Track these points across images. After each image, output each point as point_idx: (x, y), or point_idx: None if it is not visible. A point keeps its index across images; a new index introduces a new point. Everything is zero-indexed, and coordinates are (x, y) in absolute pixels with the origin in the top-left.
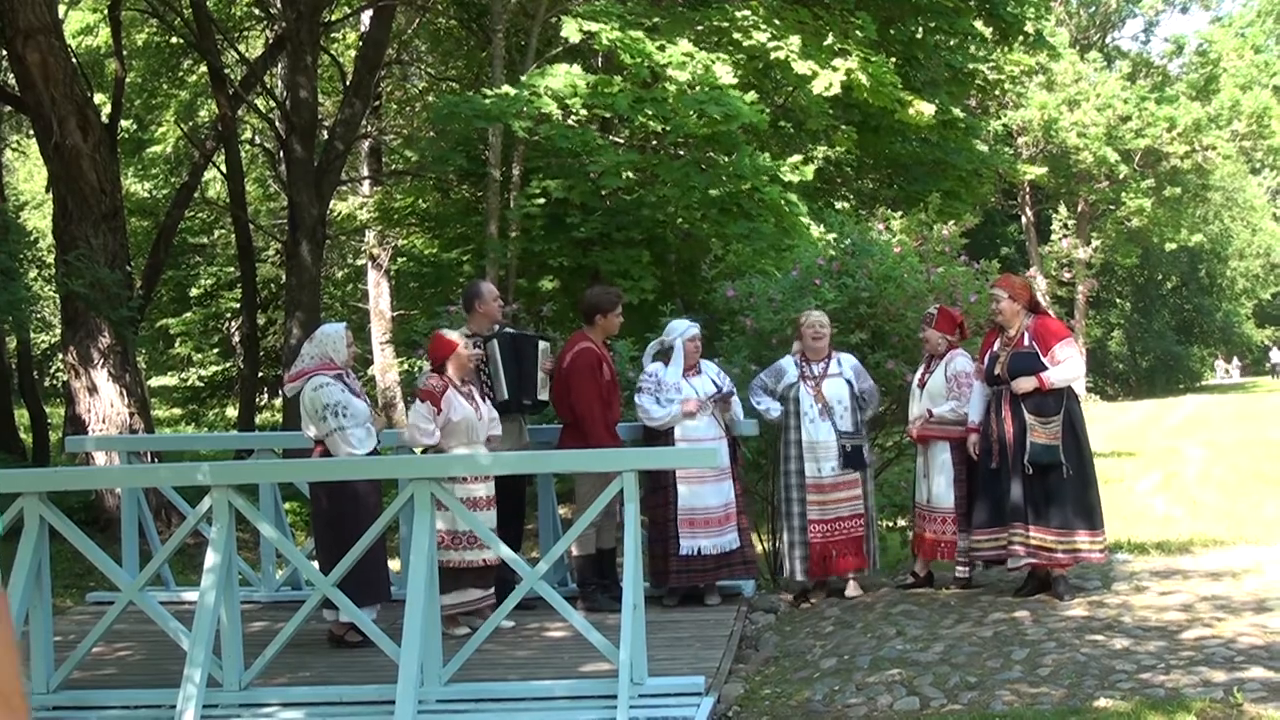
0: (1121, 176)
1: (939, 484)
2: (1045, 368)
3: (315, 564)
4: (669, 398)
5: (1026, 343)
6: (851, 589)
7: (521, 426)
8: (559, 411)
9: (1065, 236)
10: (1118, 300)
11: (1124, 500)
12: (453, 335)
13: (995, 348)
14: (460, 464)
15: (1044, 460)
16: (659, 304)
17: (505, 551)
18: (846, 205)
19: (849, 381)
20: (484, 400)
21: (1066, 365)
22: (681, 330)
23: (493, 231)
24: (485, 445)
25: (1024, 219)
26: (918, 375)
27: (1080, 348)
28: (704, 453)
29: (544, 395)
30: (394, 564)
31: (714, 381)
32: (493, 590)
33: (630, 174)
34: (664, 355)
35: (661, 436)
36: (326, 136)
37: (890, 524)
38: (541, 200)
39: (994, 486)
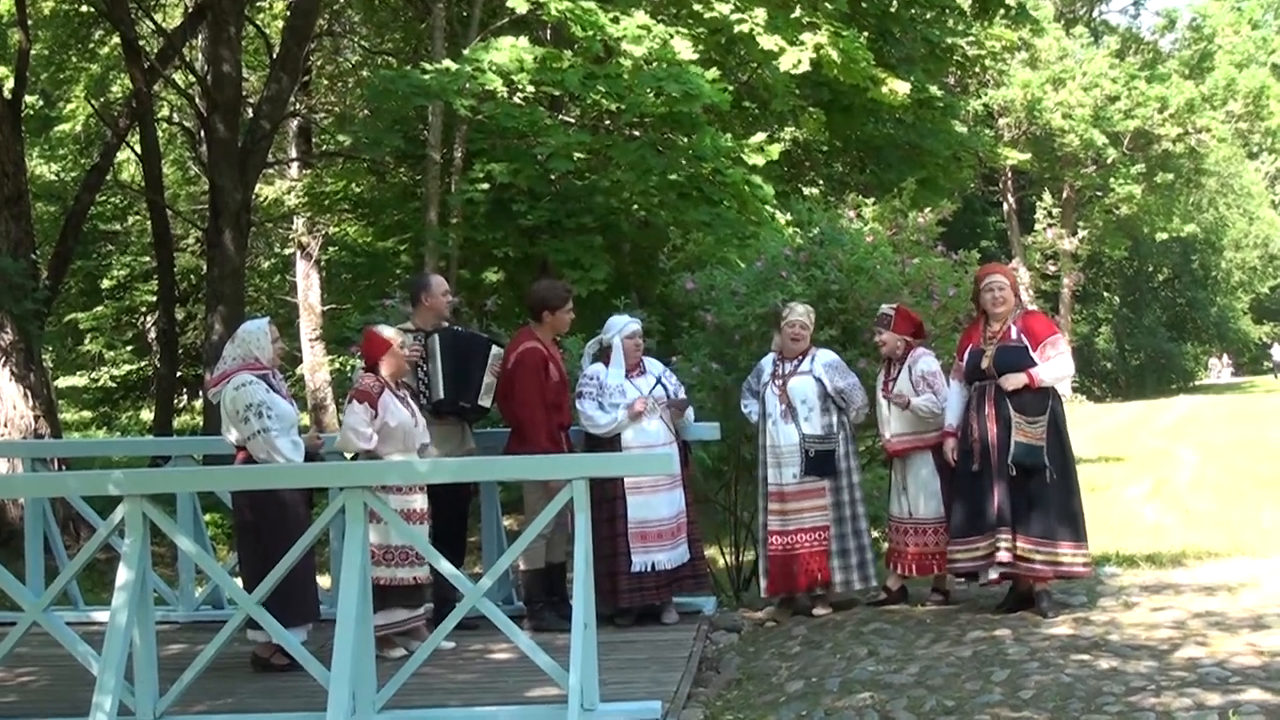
0: (1109, 161)
1: (920, 498)
2: (1034, 363)
3: (238, 581)
4: (613, 402)
5: (1014, 336)
6: (819, 610)
7: (465, 431)
8: (504, 416)
9: (1050, 226)
10: (1105, 294)
11: (1111, 508)
12: (387, 331)
13: (978, 343)
14: (396, 471)
15: (1028, 461)
16: (612, 297)
17: (445, 566)
18: (815, 191)
19: (818, 379)
20: (417, 404)
21: (1056, 362)
22: (620, 327)
23: (432, 219)
24: (418, 454)
25: (1005, 207)
26: (879, 384)
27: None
28: (658, 459)
29: (485, 401)
30: (324, 580)
31: (662, 383)
32: (422, 611)
33: (581, 156)
34: (605, 355)
35: (606, 444)
36: (251, 115)
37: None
38: (485, 185)
39: (973, 492)
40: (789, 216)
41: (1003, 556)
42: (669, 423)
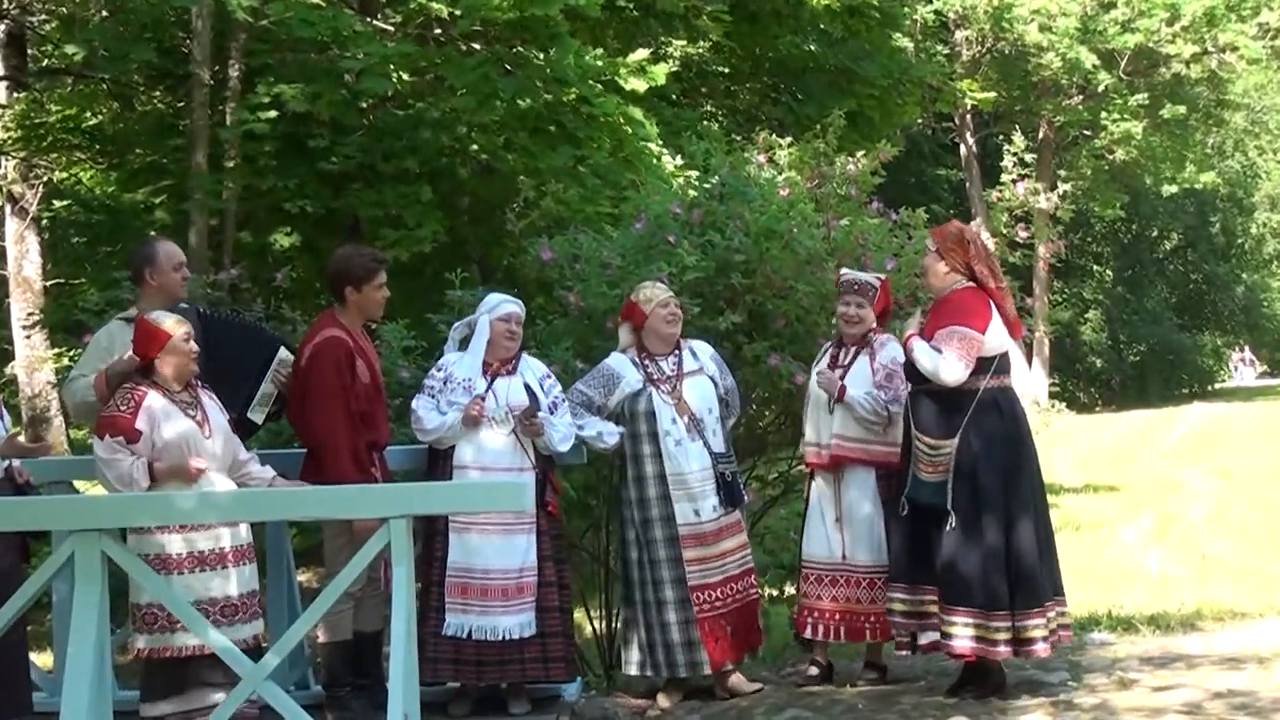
0: (1101, 89)
1: (855, 533)
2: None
3: None
4: (452, 400)
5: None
6: (737, 683)
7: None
8: (296, 430)
9: (1021, 177)
10: (1095, 268)
11: (1102, 554)
12: (166, 321)
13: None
14: (147, 506)
15: (924, 499)
16: (445, 268)
17: (216, 639)
18: (714, 127)
19: (713, 380)
20: (221, 410)
21: (932, 357)
22: (491, 306)
23: (199, 161)
24: (235, 475)
25: (963, 151)
26: (820, 372)
27: (985, 330)
28: (502, 490)
29: (257, 416)
30: (44, 658)
31: (535, 389)
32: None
33: (404, 77)
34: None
35: (440, 465)
36: None
37: (777, 592)
38: (273, 115)
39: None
40: (679, 162)
41: (898, 620)
42: (523, 441)
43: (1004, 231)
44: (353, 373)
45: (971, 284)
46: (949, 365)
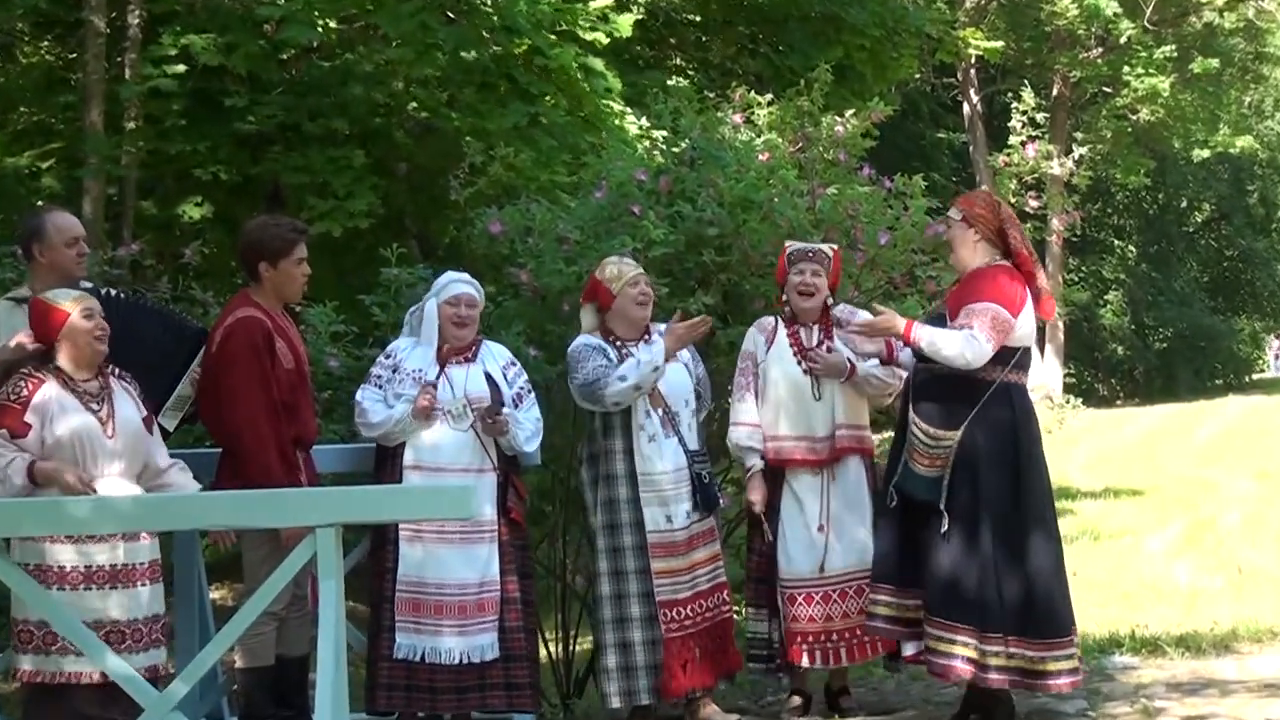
0: (1124, 40)
1: (844, 532)
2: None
3: None
4: (400, 392)
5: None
6: (710, 713)
7: None
8: (210, 426)
9: (1032, 140)
10: (1116, 243)
11: (1124, 566)
12: (65, 299)
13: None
14: (33, 513)
15: (917, 494)
16: (380, 243)
17: (114, 664)
18: (684, 83)
19: (687, 368)
20: (139, 406)
21: (953, 337)
22: (439, 287)
23: (94, 121)
24: (149, 483)
25: (966, 110)
26: (812, 354)
27: (1019, 313)
28: (446, 494)
29: (169, 421)
30: None
31: (497, 378)
32: None
33: (331, 25)
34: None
35: (392, 464)
36: None
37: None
38: (181, 69)
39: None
40: (645, 122)
41: (878, 625)
42: (483, 439)
43: (1012, 201)
44: (272, 357)
45: (1003, 261)
46: (976, 344)
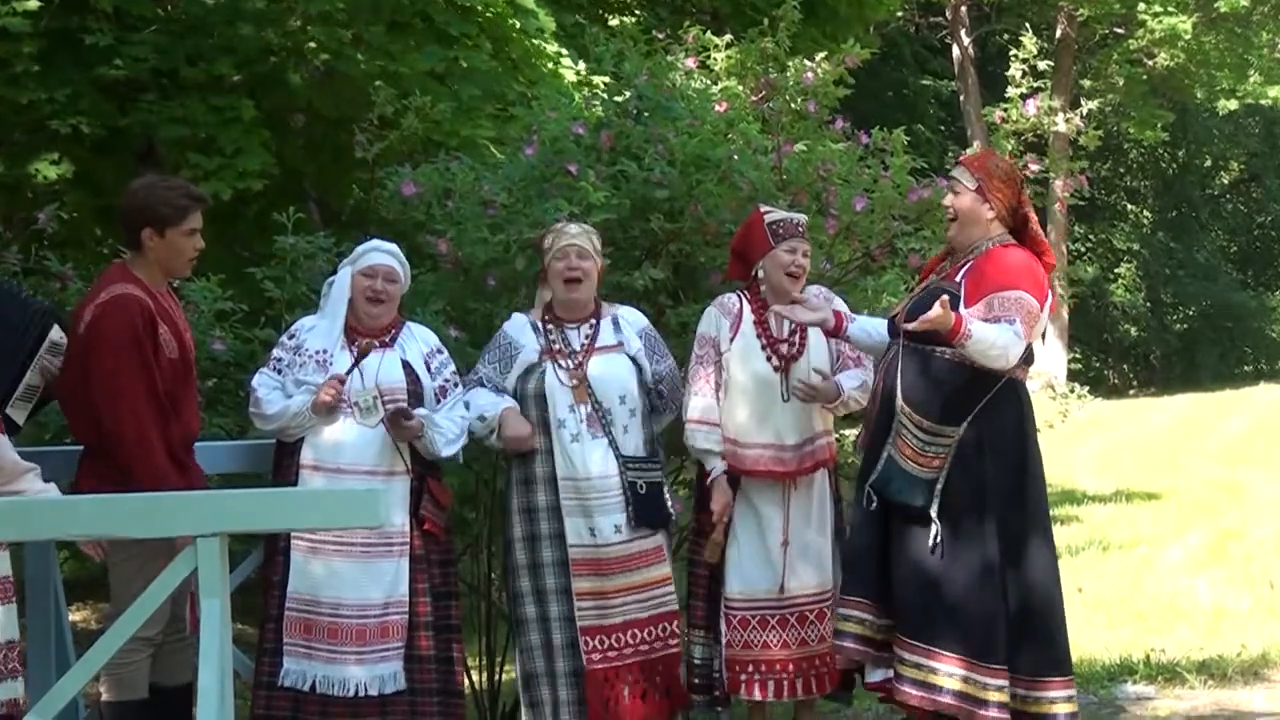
0: None
1: (806, 547)
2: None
3: None
4: (301, 379)
5: (959, 276)
6: None
7: None
8: (73, 422)
9: (1033, 91)
10: (1129, 208)
11: (1139, 582)
12: None
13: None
14: None
15: (894, 495)
16: (274, 207)
17: None
18: (629, 22)
19: (634, 360)
20: None
21: (1002, 335)
22: (355, 255)
23: None
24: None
25: (956, 54)
26: (799, 385)
27: (1044, 308)
28: (353, 500)
29: (18, 414)
30: None
31: (417, 369)
32: None
33: None
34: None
35: (288, 463)
36: None
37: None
38: (34, 3)
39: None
40: (582, 67)
41: (847, 644)
42: (394, 437)
43: (1011, 159)
44: (154, 341)
45: (1014, 241)
46: (1019, 344)
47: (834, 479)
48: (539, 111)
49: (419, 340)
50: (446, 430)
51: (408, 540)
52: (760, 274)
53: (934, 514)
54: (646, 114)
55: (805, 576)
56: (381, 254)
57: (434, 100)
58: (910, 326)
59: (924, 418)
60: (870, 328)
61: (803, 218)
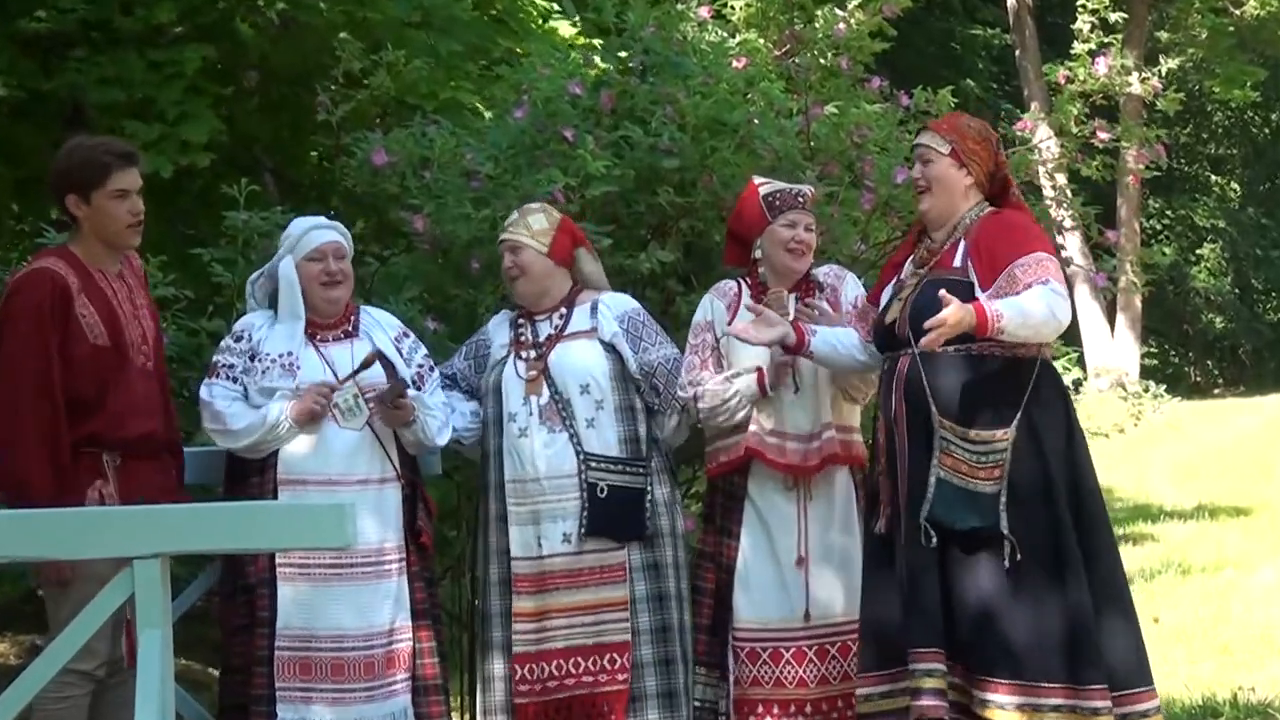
0: None
1: (830, 567)
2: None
3: None
4: (266, 387)
5: (958, 260)
6: None
7: None
8: None
9: (1103, 48)
10: (1213, 179)
11: (1224, 607)
12: None
13: (903, 274)
14: None
15: (959, 522)
16: (221, 179)
17: None
18: None
19: (609, 345)
20: None
21: (1039, 296)
22: (293, 240)
23: None
24: None
25: (1011, 2)
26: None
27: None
28: (314, 516)
29: None
30: None
31: (389, 355)
32: None
33: None
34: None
35: (260, 479)
36: None
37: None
38: None
39: (879, 573)
40: (578, 19)
41: (926, 702)
42: (380, 436)
43: (1074, 130)
44: (64, 325)
45: (996, 209)
46: (1062, 300)
47: (861, 490)
48: (529, 69)
49: (382, 325)
50: (436, 415)
51: (404, 555)
52: (759, 254)
53: (1005, 529)
54: (653, 71)
55: (829, 601)
56: (323, 231)
57: (408, 55)
58: (928, 340)
59: (967, 427)
60: (836, 340)
61: (806, 188)
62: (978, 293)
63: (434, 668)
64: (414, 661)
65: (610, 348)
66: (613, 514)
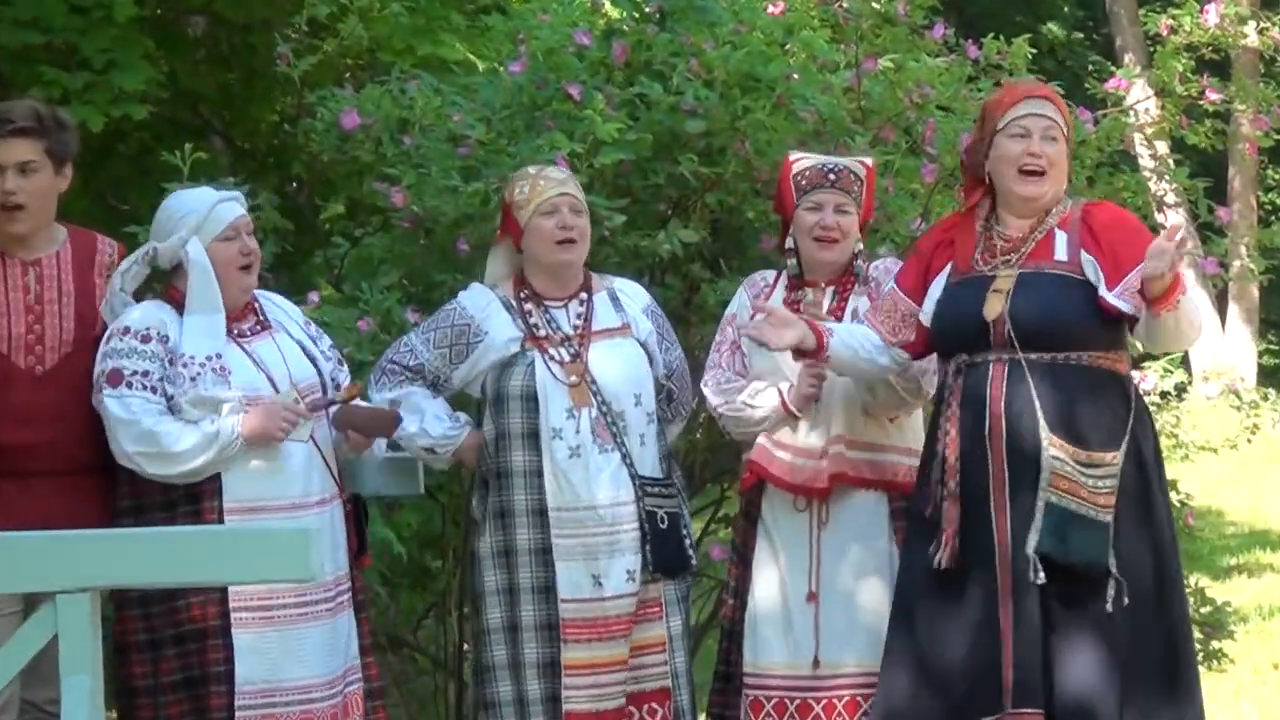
0: None
1: (845, 609)
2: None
3: None
4: (194, 397)
5: (1061, 253)
6: None
7: None
8: None
9: None
10: None
11: None
12: None
13: (976, 260)
14: None
15: (1072, 555)
16: (162, 142)
17: None
18: None
19: (644, 345)
20: None
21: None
22: (197, 220)
23: None
24: None
25: None
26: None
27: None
28: (271, 542)
29: None
30: None
31: (309, 348)
32: None
33: None
34: (169, 291)
35: (207, 505)
36: None
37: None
38: None
39: (935, 622)
40: None
41: None
42: (325, 454)
43: (1179, 90)
44: None
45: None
46: (1202, 311)
47: (899, 519)
48: (528, 15)
49: (284, 310)
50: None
51: (350, 584)
52: (790, 244)
53: (1113, 568)
54: (674, 17)
55: (842, 648)
56: (230, 204)
57: (382, 4)
58: (1147, 273)
59: (1079, 447)
60: (856, 342)
61: (840, 161)
62: (1103, 291)
63: (385, 712)
64: (366, 704)
65: (641, 346)
66: (669, 546)
